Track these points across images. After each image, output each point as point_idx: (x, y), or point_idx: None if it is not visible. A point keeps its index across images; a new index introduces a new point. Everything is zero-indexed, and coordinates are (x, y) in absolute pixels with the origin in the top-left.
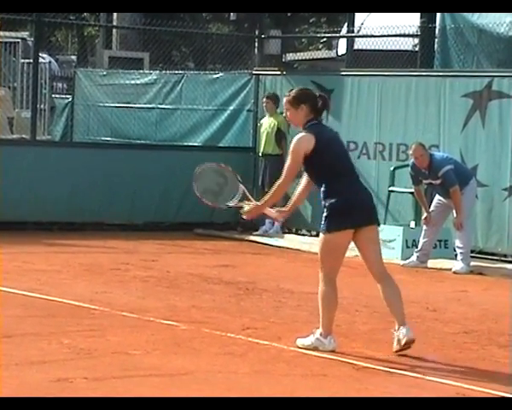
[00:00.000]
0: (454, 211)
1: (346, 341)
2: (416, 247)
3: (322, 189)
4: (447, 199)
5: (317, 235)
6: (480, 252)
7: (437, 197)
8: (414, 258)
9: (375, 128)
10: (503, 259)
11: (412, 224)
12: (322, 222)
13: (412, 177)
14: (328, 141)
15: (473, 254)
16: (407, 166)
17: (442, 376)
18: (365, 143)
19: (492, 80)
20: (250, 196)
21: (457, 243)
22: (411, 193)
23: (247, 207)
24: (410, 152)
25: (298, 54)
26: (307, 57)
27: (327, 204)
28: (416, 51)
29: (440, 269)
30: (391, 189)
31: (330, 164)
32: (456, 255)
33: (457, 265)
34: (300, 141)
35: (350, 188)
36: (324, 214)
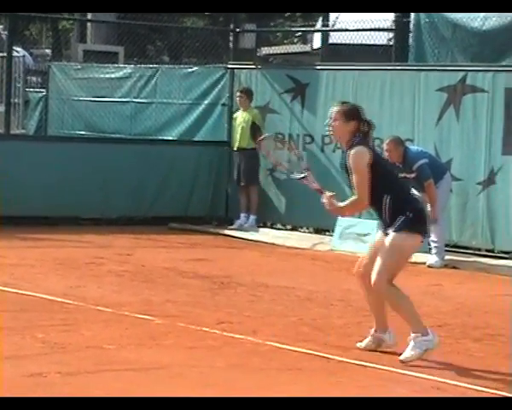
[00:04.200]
0: (428, 205)
1: (321, 335)
2: None
3: (388, 200)
4: (422, 193)
5: (292, 229)
6: (455, 246)
7: (412, 191)
8: None
9: None
10: (477, 253)
11: None
12: (402, 222)
13: None
14: (379, 155)
15: (447, 248)
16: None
17: (417, 370)
18: None
19: (467, 74)
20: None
21: (432, 237)
22: None
23: (325, 199)
24: (385, 146)
25: (273, 48)
26: (282, 51)
27: (407, 207)
28: (391, 45)
29: (415, 263)
30: None
31: (389, 176)
32: (430, 249)
33: (432, 259)
34: (360, 154)
35: (414, 198)
36: (406, 216)
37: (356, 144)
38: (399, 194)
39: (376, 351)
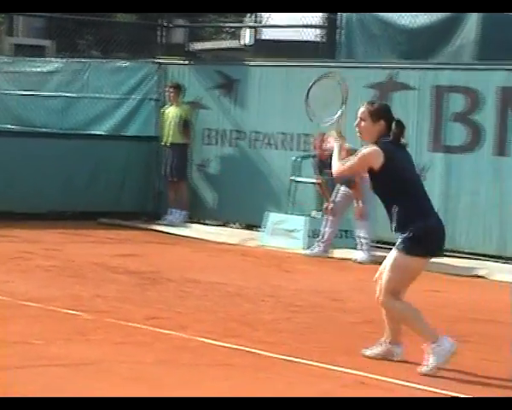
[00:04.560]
0: (357, 201)
1: (251, 330)
2: (320, 236)
3: (397, 209)
4: (350, 189)
5: (223, 225)
6: (383, 242)
7: (340, 187)
8: (317, 247)
9: (279, 118)
10: None
11: (315, 213)
12: (403, 241)
13: (316, 167)
14: (401, 161)
15: (375, 244)
16: (310, 156)
17: (345, 365)
18: (270, 133)
19: (395, 72)
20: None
21: (360, 232)
22: (315, 183)
23: (333, 137)
24: (313, 142)
25: (203, 43)
26: (213, 47)
27: (412, 225)
28: (320, 42)
29: (343, 259)
30: (294, 179)
31: (404, 184)
32: (358, 245)
33: (360, 254)
34: (371, 153)
35: (430, 213)
36: (408, 235)
37: (378, 143)
38: (409, 207)
39: (305, 345)
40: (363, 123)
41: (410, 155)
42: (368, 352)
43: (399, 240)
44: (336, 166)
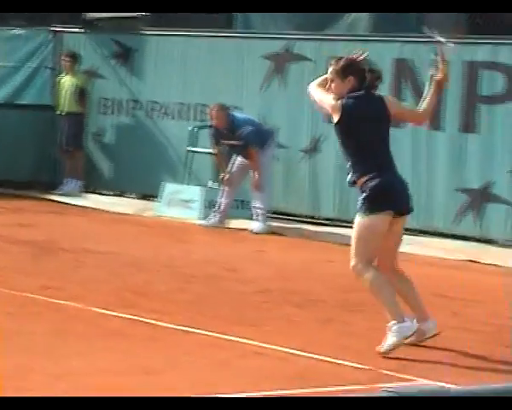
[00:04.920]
0: (253, 172)
1: (146, 300)
2: (216, 207)
3: (353, 164)
4: (247, 160)
5: (120, 195)
6: (278, 212)
7: (237, 158)
8: (213, 218)
9: (176, 88)
10: (299, 219)
11: (212, 184)
12: (361, 203)
13: (213, 137)
14: (361, 116)
15: (271, 215)
16: (207, 126)
17: (239, 335)
18: (167, 103)
19: (291, 43)
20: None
21: (256, 203)
22: (212, 153)
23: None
24: (210, 112)
25: (100, 12)
26: (109, 16)
27: (365, 185)
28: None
29: (239, 229)
30: (191, 149)
31: (358, 141)
32: (254, 216)
33: (256, 225)
34: (333, 105)
35: (387, 168)
36: (363, 196)
37: (345, 98)
38: (365, 163)
39: (203, 318)
40: (333, 84)
41: (385, 103)
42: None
43: (359, 203)
44: (313, 88)
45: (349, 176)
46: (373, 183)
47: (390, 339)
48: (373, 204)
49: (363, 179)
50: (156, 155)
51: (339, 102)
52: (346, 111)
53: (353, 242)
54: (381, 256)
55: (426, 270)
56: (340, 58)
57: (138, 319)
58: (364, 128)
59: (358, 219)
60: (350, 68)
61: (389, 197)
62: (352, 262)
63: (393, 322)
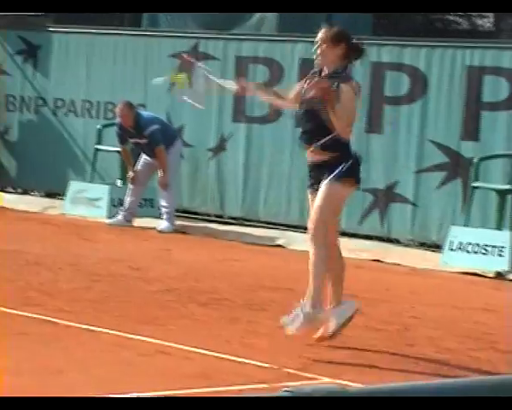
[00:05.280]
0: (160, 170)
1: (50, 299)
2: (122, 205)
3: (335, 138)
4: (153, 158)
5: (23, 193)
6: (185, 211)
7: (143, 156)
8: (120, 217)
9: (82, 86)
10: (206, 218)
11: (118, 182)
12: (338, 173)
13: (119, 136)
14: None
15: (177, 214)
16: (114, 124)
17: (143, 333)
18: (73, 101)
19: (199, 42)
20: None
21: (162, 202)
22: (118, 151)
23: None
24: (117, 111)
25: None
26: (15, 13)
27: (351, 155)
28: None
29: (145, 228)
30: (98, 147)
31: (354, 119)
32: (161, 214)
33: (162, 224)
34: (352, 95)
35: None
36: (349, 164)
37: (347, 80)
38: (348, 139)
39: (107, 317)
40: (323, 45)
41: None
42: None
43: (333, 173)
44: (340, 128)
45: (319, 144)
46: (351, 156)
47: (334, 323)
48: (349, 176)
49: (344, 153)
50: (62, 152)
51: (352, 83)
52: (357, 88)
53: (321, 206)
54: (331, 230)
55: None
56: (332, 26)
57: (42, 318)
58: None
59: (334, 186)
60: (343, 35)
61: (358, 172)
62: (313, 225)
63: (310, 309)
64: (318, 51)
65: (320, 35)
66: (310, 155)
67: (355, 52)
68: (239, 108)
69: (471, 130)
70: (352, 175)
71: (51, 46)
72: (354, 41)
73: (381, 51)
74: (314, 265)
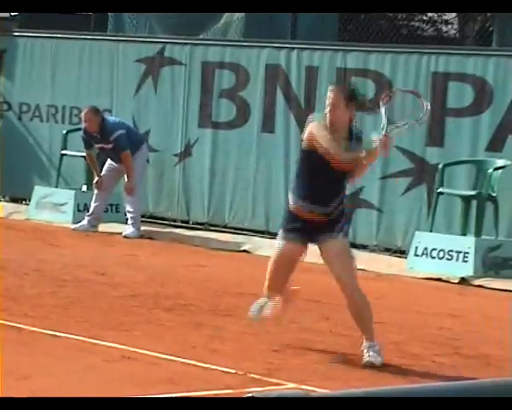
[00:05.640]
0: (125, 175)
1: (14, 304)
2: (88, 211)
3: (338, 191)
4: (119, 163)
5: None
6: (151, 217)
7: (108, 161)
8: (85, 222)
9: (48, 90)
10: (172, 223)
11: (84, 188)
12: (342, 227)
13: (84, 141)
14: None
15: (143, 219)
16: (80, 129)
17: (108, 339)
18: (38, 106)
19: (165, 47)
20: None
21: (128, 207)
22: (83, 157)
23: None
24: (82, 116)
25: None
26: None
27: (344, 209)
28: (90, 14)
29: (111, 233)
30: (63, 152)
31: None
32: (126, 220)
33: (128, 229)
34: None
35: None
36: (343, 221)
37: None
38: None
39: (72, 322)
40: (338, 110)
41: None
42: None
43: (338, 228)
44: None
45: (333, 203)
46: (343, 208)
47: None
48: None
49: (341, 204)
50: (27, 157)
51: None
52: None
53: (349, 263)
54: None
55: (295, 275)
56: (342, 84)
57: (7, 324)
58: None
59: (344, 242)
60: (353, 94)
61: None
62: (355, 284)
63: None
64: (332, 114)
65: (333, 95)
66: (307, 216)
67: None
68: (205, 114)
69: (436, 136)
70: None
71: (16, 50)
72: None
73: (346, 57)
74: (365, 308)
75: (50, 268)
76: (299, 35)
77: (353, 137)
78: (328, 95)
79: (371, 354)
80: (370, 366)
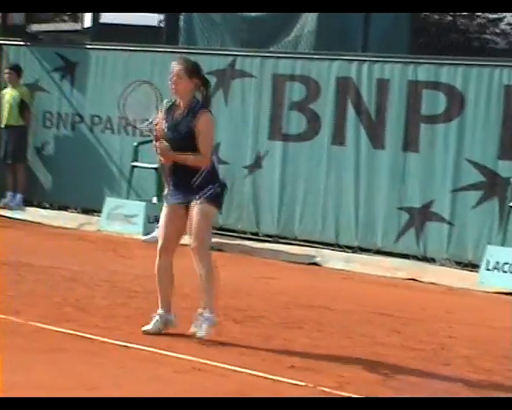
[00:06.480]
0: None
1: (85, 315)
2: (158, 222)
3: (210, 168)
4: None
5: (60, 208)
6: (221, 228)
7: None
8: (155, 233)
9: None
10: (241, 235)
11: (154, 199)
12: (211, 195)
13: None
14: None
15: (213, 231)
16: (151, 141)
17: (179, 351)
18: (109, 118)
19: (235, 59)
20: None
21: None
22: (154, 168)
23: (161, 145)
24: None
25: (43, 25)
26: (52, 29)
27: (219, 182)
28: (162, 27)
29: (181, 245)
30: (134, 164)
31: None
32: None
33: None
34: (212, 121)
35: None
36: (218, 190)
37: (203, 109)
38: (213, 167)
39: (142, 333)
40: (180, 80)
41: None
42: (147, 328)
43: (203, 195)
44: (197, 162)
45: (197, 180)
46: (218, 183)
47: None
48: (217, 200)
49: (211, 180)
50: (99, 169)
51: (210, 115)
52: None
53: (200, 226)
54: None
55: (365, 287)
56: (187, 58)
57: (78, 334)
58: None
59: (204, 207)
60: (198, 70)
61: (223, 198)
62: (195, 244)
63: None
64: (174, 84)
65: (177, 68)
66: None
67: (205, 88)
68: (275, 126)
69: (508, 149)
70: (221, 200)
71: (88, 63)
72: (205, 76)
73: (417, 69)
74: (207, 275)
75: (121, 279)
76: (370, 48)
77: (189, 113)
78: (171, 67)
79: (204, 327)
80: (193, 336)
